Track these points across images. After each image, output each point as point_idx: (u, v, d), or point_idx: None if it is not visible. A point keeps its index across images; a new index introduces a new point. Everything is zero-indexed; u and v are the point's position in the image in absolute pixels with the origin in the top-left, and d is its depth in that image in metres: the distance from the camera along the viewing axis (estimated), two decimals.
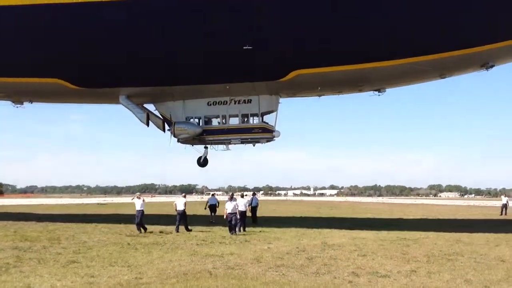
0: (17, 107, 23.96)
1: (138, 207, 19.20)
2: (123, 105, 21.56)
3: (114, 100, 21.90)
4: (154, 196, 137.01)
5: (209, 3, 17.16)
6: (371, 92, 21.18)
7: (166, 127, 22.00)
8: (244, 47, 17.39)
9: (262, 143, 21.60)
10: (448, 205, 67.11)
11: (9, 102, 23.98)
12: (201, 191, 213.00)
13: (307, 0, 16.85)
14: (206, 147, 22.20)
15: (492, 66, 18.67)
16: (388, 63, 17.84)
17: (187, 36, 17.94)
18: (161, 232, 19.27)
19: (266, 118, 21.35)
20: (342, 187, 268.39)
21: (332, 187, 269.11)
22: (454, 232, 20.38)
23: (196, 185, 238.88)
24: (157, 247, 14.55)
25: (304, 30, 17.35)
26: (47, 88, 20.82)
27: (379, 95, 21.13)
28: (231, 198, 19.15)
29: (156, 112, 22.28)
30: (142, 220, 19.16)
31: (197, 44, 18.10)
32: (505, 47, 17.27)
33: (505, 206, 35.60)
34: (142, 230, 18.93)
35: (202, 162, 22.41)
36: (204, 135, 21.18)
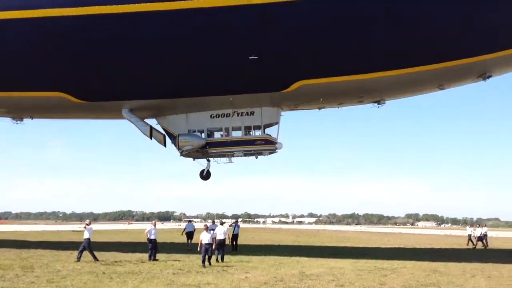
0: (17, 123, 23.78)
1: (86, 236, 18.68)
2: (126, 118, 21.60)
3: (116, 114, 21.92)
4: (131, 223, 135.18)
5: (213, 14, 17.38)
6: (371, 104, 21.75)
7: (168, 141, 22.13)
8: (250, 57, 17.65)
9: (265, 155, 21.80)
10: (425, 234, 67.59)
11: (8, 119, 23.79)
12: (179, 218, 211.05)
13: (312, 10, 17.18)
14: (208, 160, 22.28)
15: (489, 77, 19.32)
16: (389, 73, 18.40)
17: (191, 47, 18.21)
18: (137, 260, 18.99)
19: (268, 130, 21.63)
20: (321, 215, 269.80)
21: (311, 215, 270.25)
22: (431, 261, 20.49)
23: (174, 212, 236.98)
24: (132, 277, 14.29)
25: (309, 40, 17.73)
26: (50, 102, 20.77)
27: (378, 107, 21.68)
28: (207, 229, 18.90)
29: (158, 127, 22.37)
30: (89, 249, 18.65)
31: (202, 55, 18.33)
32: (503, 57, 17.95)
33: (469, 236, 36.01)
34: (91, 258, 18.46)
35: (205, 175, 22.48)
36: (207, 148, 21.29)
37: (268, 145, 21.37)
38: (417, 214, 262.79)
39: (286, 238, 46.40)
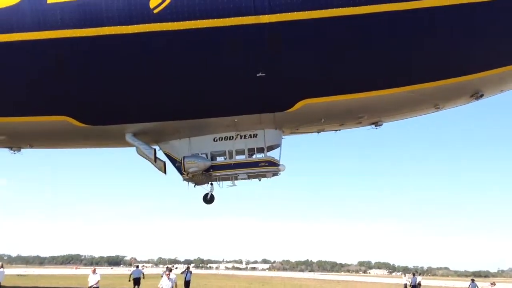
0: (14, 153, 23.29)
1: None
2: (130, 142, 21.53)
3: (119, 140, 21.89)
4: (78, 268, 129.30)
5: (219, 35, 17.80)
6: (369, 126, 22.50)
7: (170, 167, 22.16)
8: (257, 74, 18.08)
9: (268, 177, 21.85)
10: (376, 282, 68.23)
11: (5, 150, 23.22)
12: (129, 263, 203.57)
13: (318, 28, 17.86)
14: (211, 184, 22.09)
15: (481, 96, 20.41)
16: (390, 91, 19.25)
17: (197, 67, 18.61)
18: None
19: (270, 153, 21.90)
20: (274, 262, 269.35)
21: (264, 261, 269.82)
22: None
23: (125, 256, 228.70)
24: None
25: (313, 58, 18.46)
26: (53, 127, 20.48)
27: (376, 128, 22.40)
28: (169, 275, 17.99)
29: (158, 155, 22.32)
30: None
31: (208, 75, 18.73)
32: (494, 75, 19.20)
33: (405, 286, 36.87)
34: None
35: (209, 199, 22.20)
36: (211, 171, 21.24)
37: (272, 167, 21.61)
38: (369, 262, 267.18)
39: (238, 284, 45.94)
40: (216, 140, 21.69)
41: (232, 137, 21.53)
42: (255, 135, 21.60)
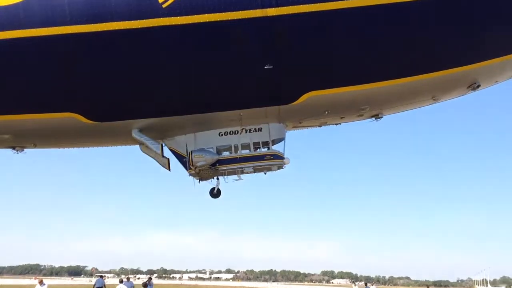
0: (18, 153, 22.92)
1: None
2: (136, 138, 21.52)
3: (125, 136, 21.85)
4: (37, 278, 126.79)
5: (225, 28, 18.23)
6: (370, 119, 23.05)
7: (173, 165, 22.19)
8: (265, 67, 18.44)
9: (273, 170, 22.13)
10: None
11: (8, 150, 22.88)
12: (90, 273, 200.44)
13: (323, 21, 18.48)
14: (218, 178, 22.31)
15: (478, 86, 21.11)
16: (392, 82, 19.88)
17: (204, 61, 18.93)
18: None
19: (274, 147, 22.17)
20: (238, 271, 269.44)
21: (228, 271, 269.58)
22: None
23: (86, 266, 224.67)
24: None
25: (320, 50, 19.01)
26: (60, 125, 20.39)
27: (376, 121, 22.93)
28: (122, 281, 18.20)
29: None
30: None
31: (213, 69, 19.06)
32: (491, 65, 20.06)
33: None
34: None
35: (216, 193, 22.40)
36: (217, 165, 21.43)
37: (277, 160, 21.96)
38: (332, 272, 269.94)
39: None
40: (222, 135, 21.96)
41: (237, 131, 21.81)
42: (260, 129, 21.92)
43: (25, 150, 23.19)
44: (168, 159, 22.54)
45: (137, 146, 23.18)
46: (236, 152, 21.92)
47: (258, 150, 22.11)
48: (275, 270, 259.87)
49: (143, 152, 23.50)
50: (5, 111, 20.08)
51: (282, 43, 18.71)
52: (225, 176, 22.22)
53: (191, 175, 22.24)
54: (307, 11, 18.27)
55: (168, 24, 18.27)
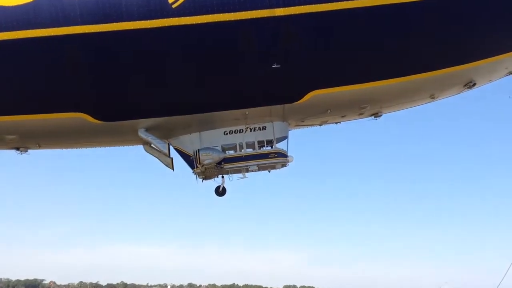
0: (21, 153, 22.84)
1: None
2: (142, 137, 21.71)
3: (130, 135, 22.03)
4: None
5: (233, 28, 18.66)
6: (369, 118, 23.68)
7: (177, 164, 22.52)
8: (273, 66, 18.94)
9: (277, 168, 22.47)
10: None
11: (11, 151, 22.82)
12: (48, 287, 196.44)
13: (329, 21, 19.07)
14: (222, 177, 22.57)
15: (474, 85, 22.01)
16: (392, 81, 20.61)
17: (211, 61, 19.37)
18: None
19: (278, 145, 22.60)
20: (200, 286, 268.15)
21: (190, 285, 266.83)
22: None
23: (44, 280, 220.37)
24: None
25: (325, 50, 19.62)
26: (67, 125, 20.55)
27: (376, 119, 23.59)
28: None
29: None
30: None
31: (221, 68, 19.53)
32: (487, 65, 20.90)
33: None
34: None
35: (221, 191, 22.69)
36: (223, 164, 21.67)
37: (281, 158, 22.33)
38: (294, 286, 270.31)
39: None
40: (227, 134, 22.28)
41: (242, 130, 22.14)
42: (264, 128, 22.34)
43: (29, 151, 23.22)
44: (172, 158, 22.84)
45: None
46: (240, 150, 22.29)
47: (262, 148, 22.52)
48: (237, 284, 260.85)
49: (147, 151, 23.82)
50: (13, 111, 20.17)
51: (289, 43, 19.18)
52: (230, 175, 22.69)
53: (196, 174, 22.55)
54: (314, 11, 18.78)
55: (177, 24, 18.60)
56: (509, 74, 23.24)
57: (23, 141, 22.41)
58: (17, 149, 22.88)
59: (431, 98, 23.11)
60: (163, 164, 23.42)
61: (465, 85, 22.44)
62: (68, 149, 25.21)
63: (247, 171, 22.44)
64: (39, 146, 23.16)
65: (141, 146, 23.98)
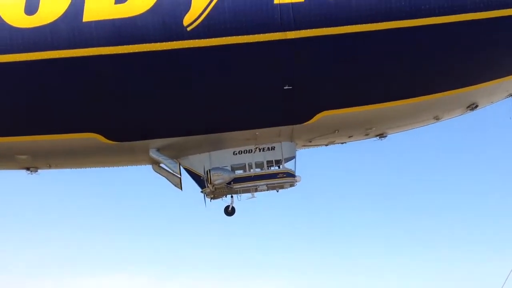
0: (31, 173, 22.97)
1: None
2: (154, 157, 22.00)
3: (141, 155, 22.31)
4: None
5: (247, 49, 19.18)
6: (374, 138, 24.22)
7: (186, 183, 22.84)
8: (284, 87, 19.37)
9: (285, 187, 22.80)
10: None
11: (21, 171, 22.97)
12: None
13: (339, 44, 19.57)
14: (232, 196, 22.76)
15: (476, 107, 22.80)
16: (398, 102, 21.19)
17: (226, 83, 19.83)
18: None
19: (286, 165, 22.89)
20: None
21: None
22: None
23: None
24: None
25: (335, 72, 20.14)
26: (81, 145, 20.76)
27: (381, 140, 24.17)
28: None
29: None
30: None
31: (234, 90, 20.03)
32: (488, 87, 21.68)
33: None
34: None
35: (230, 210, 22.88)
36: (232, 184, 21.92)
37: (289, 178, 22.67)
38: None
39: None
40: (236, 154, 22.62)
41: (251, 150, 22.50)
42: (273, 148, 22.70)
43: (39, 171, 23.32)
44: (180, 178, 23.08)
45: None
46: (249, 170, 22.59)
47: (270, 168, 22.85)
48: None
49: (155, 171, 24.09)
50: (27, 131, 20.39)
51: (301, 65, 19.73)
52: (239, 194, 22.93)
53: (205, 194, 22.79)
54: (325, 34, 19.35)
55: (192, 46, 19.06)
56: (510, 96, 23.88)
57: (34, 161, 22.57)
58: (27, 169, 23.02)
59: (435, 119, 23.73)
60: (171, 184, 23.68)
61: (467, 107, 23.09)
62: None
63: (256, 190, 22.73)
64: (50, 166, 23.29)
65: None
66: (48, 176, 23.81)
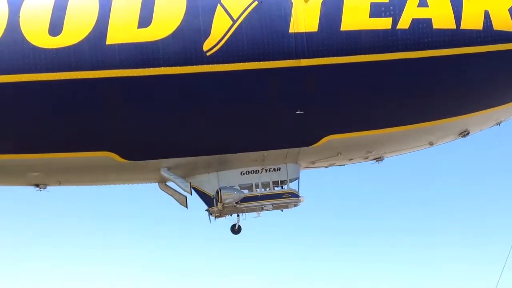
0: (41, 191, 23.09)
1: None
2: (165, 176, 22.60)
3: (153, 174, 22.89)
4: None
5: (259, 76, 20.19)
6: (372, 161, 25.64)
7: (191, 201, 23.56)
8: (296, 112, 20.46)
9: (290, 207, 23.77)
10: None
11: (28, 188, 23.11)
12: None
13: (349, 71, 20.79)
14: (238, 215, 23.49)
15: (468, 133, 24.35)
16: (399, 128, 22.64)
17: (240, 107, 20.82)
18: None
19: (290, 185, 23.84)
20: None
21: None
22: None
23: None
24: None
25: (344, 98, 21.47)
26: (95, 163, 21.16)
27: (378, 163, 25.57)
28: None
29: (179, 190, 23.70)
30: None
31: (247, 115, 21.05)
32: (481, 116, 23.34)
33: None
34: None
35: (237, 229, 23.59)
36: (239, 203, 22.63)
37: (294, 198, 23.67)
38: None
39: None
40: (243, 174, 23.46)
41: (258, 170, 23.36)
42: (279, 169, 23.62)
43: (48, 187, 23.52)
44: (186, 196, 23.75)
45: None
46: (255, 190, 23.42)
47: (275, 188, 23.77)
48: None
49: (162, 190, 24.72)
50: (41, 149, 20.69)
51: (313, 91, 20.86)
52: (245, 213, 23.68)
53: (211, 212, 23.51)
54: (335, 63, 20.56)
55: (210, 70, 19.92)
56: (497, 124, 25.63)
57: (46, 178, 22.80)
58: (37, 185, 23.19)
59: (430, 144, 25.19)
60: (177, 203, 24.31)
61: (460, 134, 24.65)
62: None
63: (262, 210, 23.53)
64: (60, 183, 23.52)
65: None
66: (45, 193, 23.82)
